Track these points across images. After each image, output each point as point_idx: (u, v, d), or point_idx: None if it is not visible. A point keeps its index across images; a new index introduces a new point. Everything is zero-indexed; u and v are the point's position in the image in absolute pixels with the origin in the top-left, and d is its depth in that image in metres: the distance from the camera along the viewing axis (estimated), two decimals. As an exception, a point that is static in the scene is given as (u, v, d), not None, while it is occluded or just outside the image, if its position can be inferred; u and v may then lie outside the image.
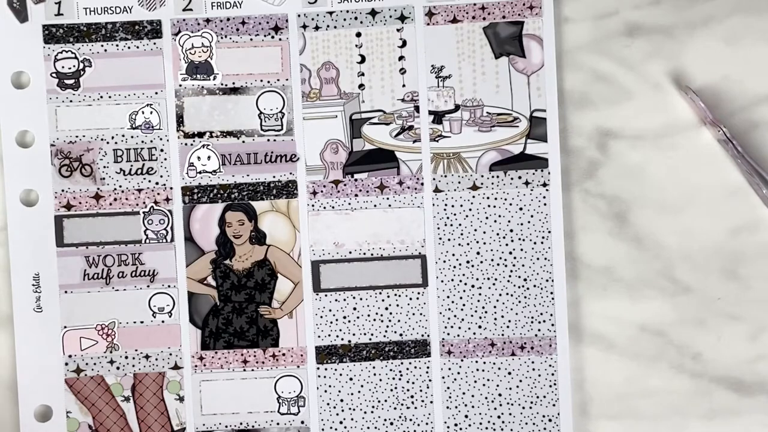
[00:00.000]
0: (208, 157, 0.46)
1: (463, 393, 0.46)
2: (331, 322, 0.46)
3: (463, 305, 0.45)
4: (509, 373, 0.45)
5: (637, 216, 0.46)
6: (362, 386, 0.46)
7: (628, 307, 0.46)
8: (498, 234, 0.45)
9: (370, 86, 0.45)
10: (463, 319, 0.45)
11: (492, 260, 0.45)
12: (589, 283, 0.46)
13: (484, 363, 0.46)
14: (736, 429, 0.46)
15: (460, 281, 0.45)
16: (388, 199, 0.45)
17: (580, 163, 0.46)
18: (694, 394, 0.46)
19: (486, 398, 0.46)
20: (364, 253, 0.46)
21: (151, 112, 0.45)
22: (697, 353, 0.46)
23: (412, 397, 0.46)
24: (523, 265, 0.45)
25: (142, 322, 0.46)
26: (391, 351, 0.46)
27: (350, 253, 0.46)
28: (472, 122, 0.45)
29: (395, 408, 0.46)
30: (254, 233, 0.46)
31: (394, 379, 0.46)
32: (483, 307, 0.45)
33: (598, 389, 0.46)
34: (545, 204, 0.45)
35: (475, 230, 0.45)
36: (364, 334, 0.46)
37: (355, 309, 0.46)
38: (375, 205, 0.46)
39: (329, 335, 0.46)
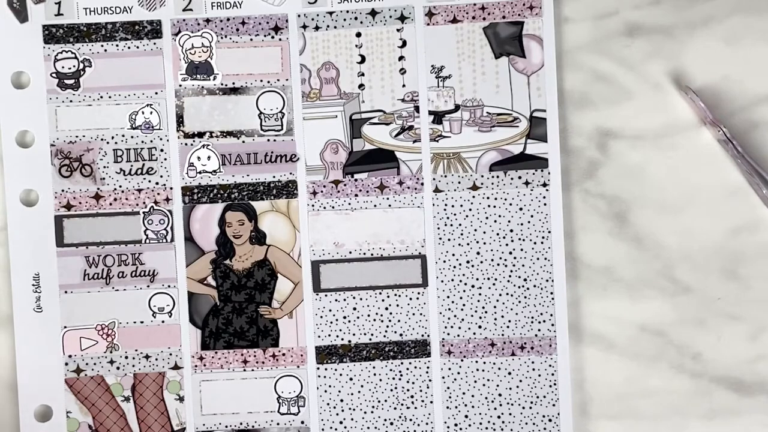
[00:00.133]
0: (208, 157, 0.46)
1: (463, 393, 0.46)
2: (331, 322, 0.46)
3: (463, 305, 0.45)
4: (509, 373, 0.45)
5: (637, 216, 0.46)
6: (362, 386, 0.46)
7: (628, 307, 0.46)
8: (498, 234, 0.45)
9: (370, 86, 0.45)
10: (463, 319, 0.45)
11: (492, 260, 0.45)
12: (589, 283, 0.46)
13: (484, 363, 0.46)
14: (736, 429, 0.46)
15: (460, 281, 0.45)
16: (388, 199, 0.45)
17: (580, 163, 0.46)
18: (694, 394, 0.46)
19: (486, 398, 0.46)
20: (364, 253, 0.46)
21: (151, 112, 0.45)
22: (697, 353, 0.46)
23: (412, 397, 0.46)
24: (523, 265, 0.45)
25: (142, 322, 0.46)
26: (391, 351, 0.46)
27: (350, 253, 0.46)
28: (472, 122, 0.45)
29: (395, 408, 0.46)
30: (254, 233, 0.46)
31: (394, 379, 0.46)
32: (483, 307, 0.45)
33: (598, 389, 0.46)
34: (545, 204, 0.45)
35: (475, 230, 0.45)
36: (364, 334, 0.46)
37: (355, 309, 0.46)
38: (375, 205, 0.46)
39: (329, 335, 0.46)
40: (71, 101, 0.45)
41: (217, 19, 0.45)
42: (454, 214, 0.45)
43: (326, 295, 0.46)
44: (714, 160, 0.45)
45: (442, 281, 0.45)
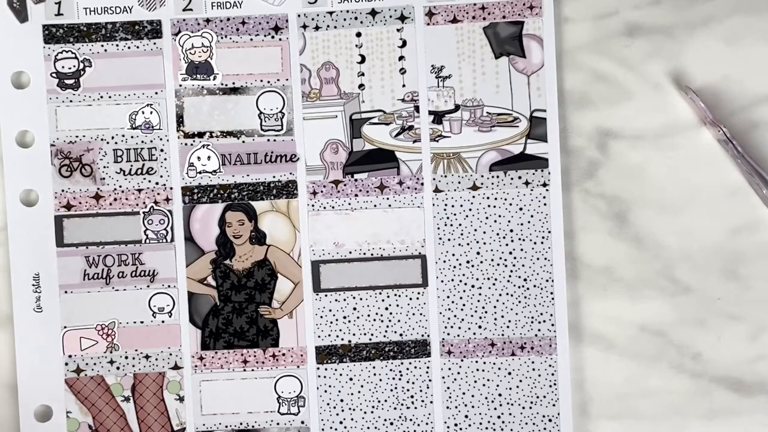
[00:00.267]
0: (208, 157, 0.46)
1: (463, 393, 0.46)
2: (331, 322, 0.46)
3: (463, 305, 0.45)
4: (509, 373, 0.45)
5: (637, 216, 0.46)
6: (362, 386, 0.46)
7: (628, 307, 0.46)
8: (498, 234, 0.45)
9: (370, 86, 0.45)
10: (463, 319, 0.45)
11: (492, 260, 0.45)
12: (589, 283, 0.46)
13: (484, 363, 0.46)
14: (736, 429, 0.46)
15: (460, 281, 0.45)
16: (388, 199, 0.45)
17: (580, 163, 0.46)
18: (694, 394, 0.46)
19: (486, 398, 0.46)
20: (364, 253, 0.46)
21: (151, 112, 0.45)
22: (697, 353, 0.46)
23: (412, 397, 0.46)
24: (523, 265, 0.45)
25: (142, 322, 0.46)
26: (391, 351, 0.46)
27: (350, 253, 0.46)
28: (472, 122, 0.45)
29: (395, 408, 0.46)
30: (254, 233, 0.46)
31: (394, 379, 0.46)
32: (483, 307, 0.45)
33: (598, 389, 0.46)
34: (545, 204, 0.45)
35: (475, 230, 0.45)
36: (364, 334, 0.46)
37: (355, 309, 0.46)
38: (375, 205, 0.46)
39: (329, 335, 0.46)
40: (71, 101, 0.45)
41: (217, 19, 0.45)
42: (454, 214, 0.45)
43: (326, 295, 0.46)
44: (714, 160, 0.45)
45: (442, 281, 0.45)
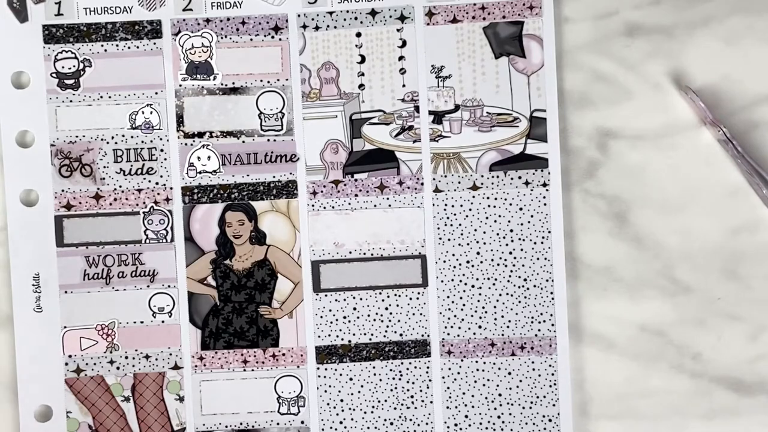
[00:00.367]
0: (208, 157, 0.46)
1: (463, 393, 0.46)
2: (331, 322, 0.46)
3: (463, 305, 0.45)
4: (509, 373, 0.45)
5: (637, 216, 0.46)
6: (362, 386, 0.46)
7: (628, 307, 0.46)
8: (498, 234, 0.45)
9: (370, 86, 0.45)
10: (463, 319, 0.45)
11: (492, 260, 0.45)
12: (589, 283, 0.46)
13: (484, 363, 0.46)
14: (736, 429, 0.46)
15: (460, 281, 0.45)
16: (388, 199, 0.45)
17: (580, 163, 0.46)
18: (694, 394, 0.46)
19: (486, 398, 0.46)
20: (364, 253, 0.46)
21: (151, 112, 0.45)
22: (697, 353, 0.46)
23: (412, 397, 0.46)
24: (523, 265, 0.45)
25: (142, 322, 0.46)
26: (391, 351, 0.46)
27: (350, 253, 0.46)
28: (472, 122, 0.45)
29: (395, 408, 0.46)
30: (254, 233, 0.46)
31: (394, 379, 0.46)
32: (483, 307, 0.45)
33: (598, 389, 0.46)
34: (545, 204, 0.45)
35: (475, 230, 0.45)
36: (364, 334, 0.46)
37: (355, 309, 0.46)
38: (375, 205, 0.46)
39: (329, 335, 0.46)
40: (71, 101, 0.45)
41: (217, 19, 0.45)
42: (454, 214, 0.45)
43: (326, 295, 0.46)
44: (714, 160, 0.45)
45: (442, 281, 0.45)
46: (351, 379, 0.46)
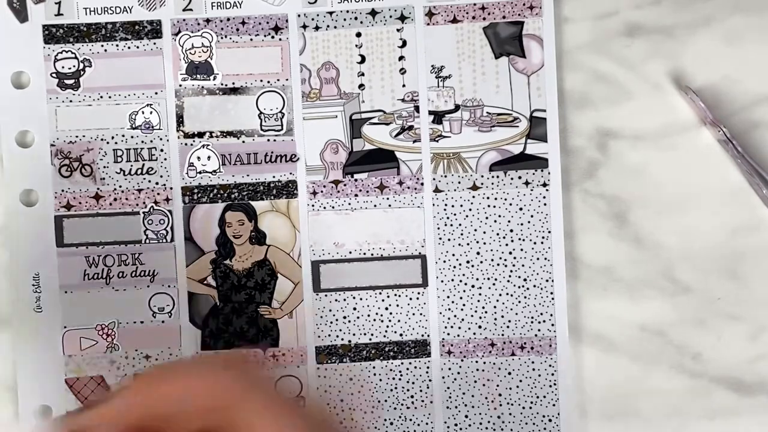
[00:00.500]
0: (208, 157, 0.46)
1: (463, 393, 0.46)
2: (331, 322, 0.46)
3: (463, 305, 0.45)
4: (509, 373, 0.45)
5: (637, 216, 0.46)
6: (362, 386, 0.46)
7: (628, 307, 0.46)
8: (498, 234, 0.45)
9: (370, 86, 0.45)
10: (463, 319, 0.45)
11: (492, 260, 0.45)
12: (589, 283, 0.46)
13: (484, 363, 0.46)
14: (736, 429, 0.46)
15: (460, 281, 0.45)
16: (388, 199, 0.45)
17: (580, 163, 0.46)
18: (694, 394, 0.46)
19: (486, 398, 0.46)
20: (364, 253, 0.46)
21: (151, 112, 0.45)
22: (697, 353, 0.46)
23: (412, 397, 0.46)
24: (523, 265, 0.45)
25: (142, 322, 0.46)
26: (391, 351, 0.46)
27: (350, 253, 0.46)
28: (472, 122, 0.45)
29: (395, 408, 0.46)
30: (254, 233, 0.46)
31: (394, 379, 0.46)
32: (483, 307, 0.45)
33: (598, 389, 0.46)
34: (545, 204, 0.45)
35: (475, 230, 0.45)
36: (364, 334, 0.46)
37: (355, 309, 0.46)
38: (375, 205, 0.46)
39: (329, 335, 0.46)
40: (71, 101, 0.45)
41: (217, 19, 0.45)
42: (454, 214, 0.45)
43: (326, 295, 0.46)
44: (714, 160, 0.45)
45: (442, 281, 0.45)
46: (351, 379, 0.46)
